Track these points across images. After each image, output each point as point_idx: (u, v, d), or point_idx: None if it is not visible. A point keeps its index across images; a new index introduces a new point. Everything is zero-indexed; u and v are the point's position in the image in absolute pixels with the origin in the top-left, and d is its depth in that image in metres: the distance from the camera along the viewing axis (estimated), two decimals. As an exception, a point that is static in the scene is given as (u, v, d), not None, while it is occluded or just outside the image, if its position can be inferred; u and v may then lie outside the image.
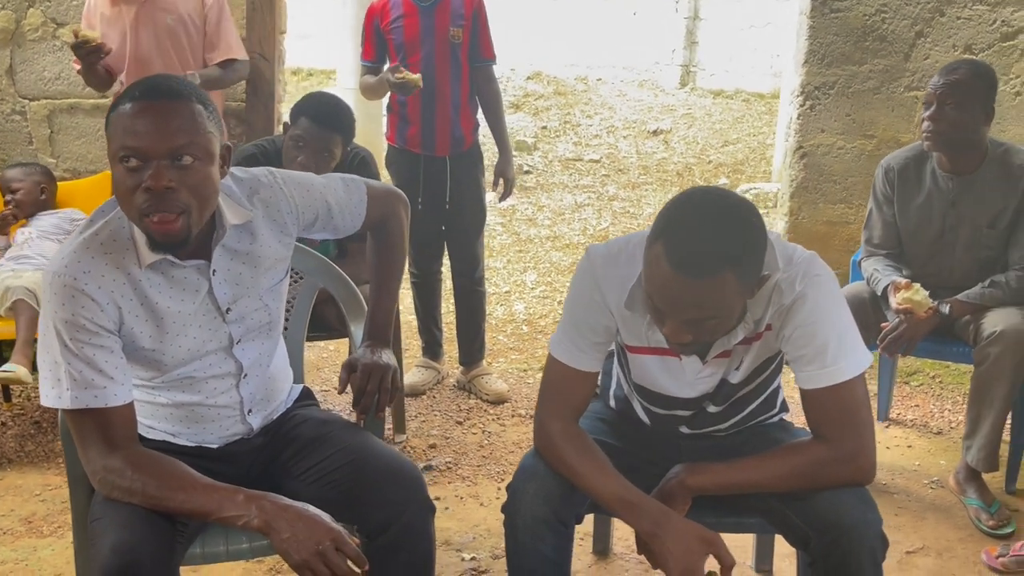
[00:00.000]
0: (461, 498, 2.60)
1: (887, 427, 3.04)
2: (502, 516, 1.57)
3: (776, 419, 1.76)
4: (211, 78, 3.04)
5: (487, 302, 3.50)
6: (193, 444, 1.61)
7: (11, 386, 2.98)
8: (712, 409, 1.65)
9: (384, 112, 3.26)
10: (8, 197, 3.10)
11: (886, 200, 2.64)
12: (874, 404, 3.11)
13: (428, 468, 2.75)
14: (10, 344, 2.80)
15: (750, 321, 1.50)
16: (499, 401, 3.21)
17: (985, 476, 2.52)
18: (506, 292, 4.48)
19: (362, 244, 1.87)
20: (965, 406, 2.58)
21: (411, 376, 3.29)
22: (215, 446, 1.63)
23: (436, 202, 3.13)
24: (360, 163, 2.61)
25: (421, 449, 2.88)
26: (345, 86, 5.98)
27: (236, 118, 3.46)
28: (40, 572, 2.19)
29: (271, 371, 1.66)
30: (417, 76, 2.91)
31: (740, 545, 2.25)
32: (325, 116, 2.44)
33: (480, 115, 3.20)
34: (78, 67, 3.05)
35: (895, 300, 2.44)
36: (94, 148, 3.54)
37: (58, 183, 3.22)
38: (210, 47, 3.10)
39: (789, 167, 3.64)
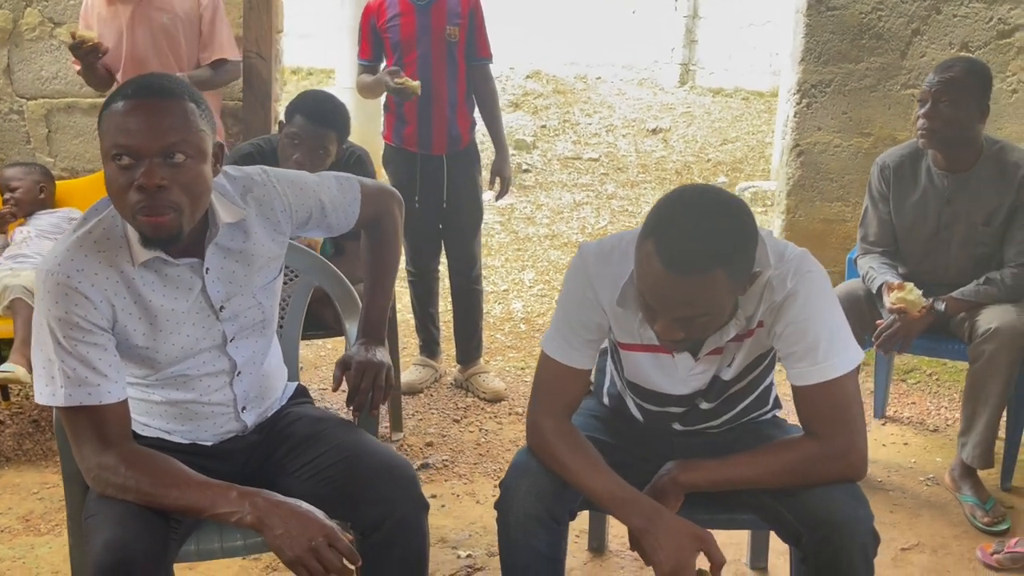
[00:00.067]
0: (457, 496, 2.60)
1: (883, 424, 3.04)
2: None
3: (769, 416, 1.77)
4: (200, 80, 3.05)
5: (485, 300, 3.51)
6: (187, 441, 1.62)
7: (9, 385, 2.99)
8: (705, 406, 1.66)
9: (381, 111, 3.26)
10: (7, 195, 3.11)
11: (881, 198, 2.64)
12: (871, 401, 3.12)
13: (425, 466, 2.76)
14: (8, 343, 2.80)
15: (742, 318, 1.50)
16: (496, 399, 3.22)
17: (981, 473, 2.52)
18: (504, 291, 4.49)
19: (359, 243, 1.88)
20: (961, 403, 2.58)
21: (408, 374, 3.30)
22: (209, 443, 1.63)
23: (433, 201, 3.14)
24: (356, 161, 2.61)
25: (418, 447, 2.89)
26: (343, 85, 5.98)
27: (233, 117, 3.47)
28: (37, 570, 2.20)
29: (265, 369, 1.66)
30: (416, 83, 2.91)
31: (735, 542, 2.26)
32: (320, 113, 2.45)
33: (477, 114, 3.21)
34: (78, 67, 3.06)
35: (888, 300, 2.44)
36: (92, 147, 3.54)
37: (56, 182, 3.23)
38: (203, 47, 3.11)
39: (786, 165, 3.64)
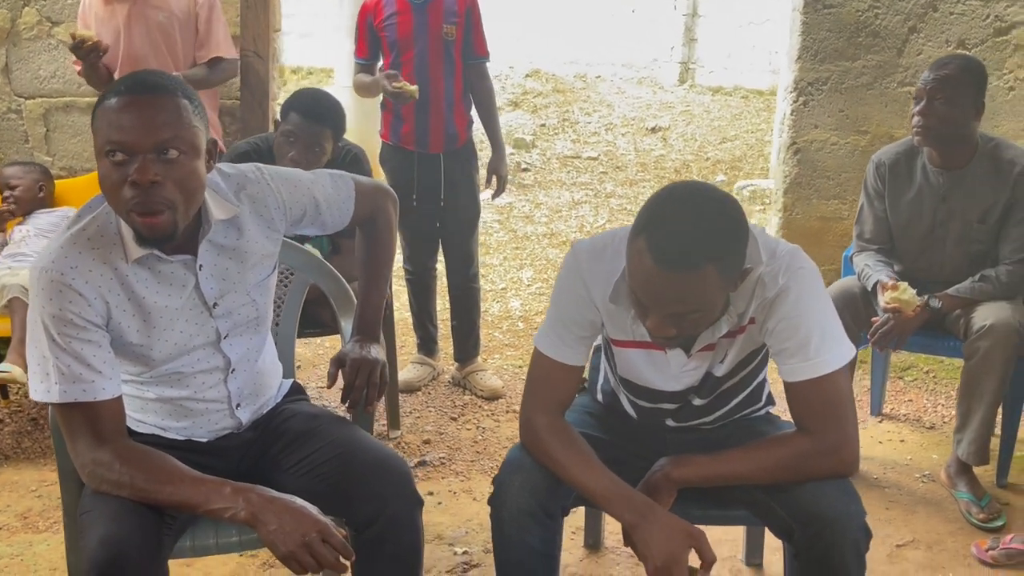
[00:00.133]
0: (454, 493, 2.61)
1: (880, 422, 3.05)
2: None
3: (762, 412, 1.78)
4: (197, 78, 3.06)
5: (483, 299, 3.51)
6: (183, 438, 1.62)
7: (8, 384, 2.99)
8: (697, 402, 1.66)
9: (379, 110, 3.27)
10: (7, 194, 3.12)
11: (877, 195, 2.65)
12: (867, 399, 3.12)
13: (422, 463, 2.77)
14: (7, 341, 2.81)
15: (734, 314, 1.51)
16: (494, 397, 3.23)
17: (976, 470, 2.53)
18: (502, 289, 4.49)
19: (355, 241, 1.88)
20: (956, 400, 2.58)
21: (406, 372, 3.30)
22: (205, 440, 1.64)
23: (431, 199, 3.14)
24: (352, 160, 2.62)
25: (415, 445, 2.89)
26: (342, 84, 5.98)
27: (231, 116, 3.48)
28: (35, 567, 2.21)
29: (259, 366, 1.67)
30: (414, 88, 2.92)
31: (731, 539, 2.27)
32: (314, 111, 2.45)
33: (474, 112, 3.21)
34: (79, 67, 3.07)
35: (883, 300, 2.44)
36: (90, 146, 3.51)
37: (55, 181, 3.24)
38: (199, 45, 3.12)
39: (783, 163, 3.64)
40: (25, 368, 2.60)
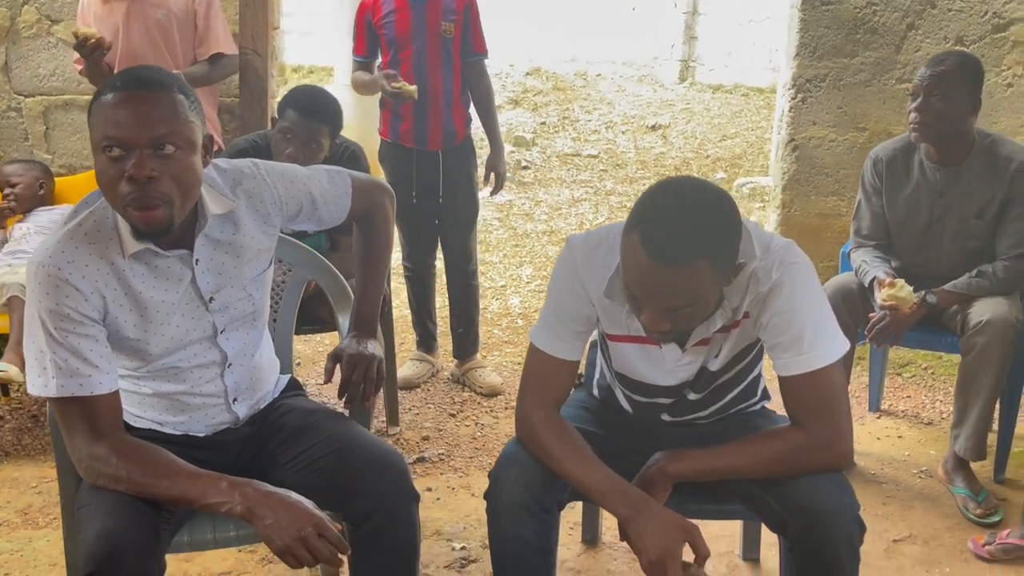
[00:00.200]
0: (453, 489, 2.62)
1: (878, 418, 3.05)
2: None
3: (758, 407, 1.78)
4: (197, 76, 3.07)
5: (482, 296, 3.51)
6: (180, 433, 1.63)
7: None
8: (692, 397, 1.67)
9: (377, 107, 3.27)
10: (7, 191, 3.13)
11: (874, 191, 2.65)
12: (866, 395, 3.13)
13: (421, 460, 2.78)
14: (6, 338, 2.82)
15: (728, 309, 1.51)
16: (492, 394, 3.23)
17: (974, 465, 2.53)
18: (502, 286, 4.50)
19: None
20: (954, 396, 2.58)
21: (405, 369, 3.31)
22: (202, 435, 1.65)
23: (429, 196, 3.15)
24: (350, 157, 2.62)
25: (414, 441, 2.90)
26: (342, 83, 5.98)
27: (229, 113, 3.48)
28: (35, 562, 2.22)
29: (256, 361, 1.67)
30: (413, 88, 2.92)
31: (728, 534, 2.28)
32: (311, 108, 2.46)
33: (473, 110, 3.22)
34: (80, 67, 3.09)
35: (879, 297, 2.45)
36: (89, 144, 3.56)
37: (54, 179, 3.25)
38: (199, 42, 3.13)
39: (781, 160, 3.65)
40: (22, 367, 2.61)
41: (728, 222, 1.38)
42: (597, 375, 1.82)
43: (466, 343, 3.34)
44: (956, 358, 2.48)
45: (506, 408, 3.15)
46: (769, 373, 1.71)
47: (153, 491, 1.41)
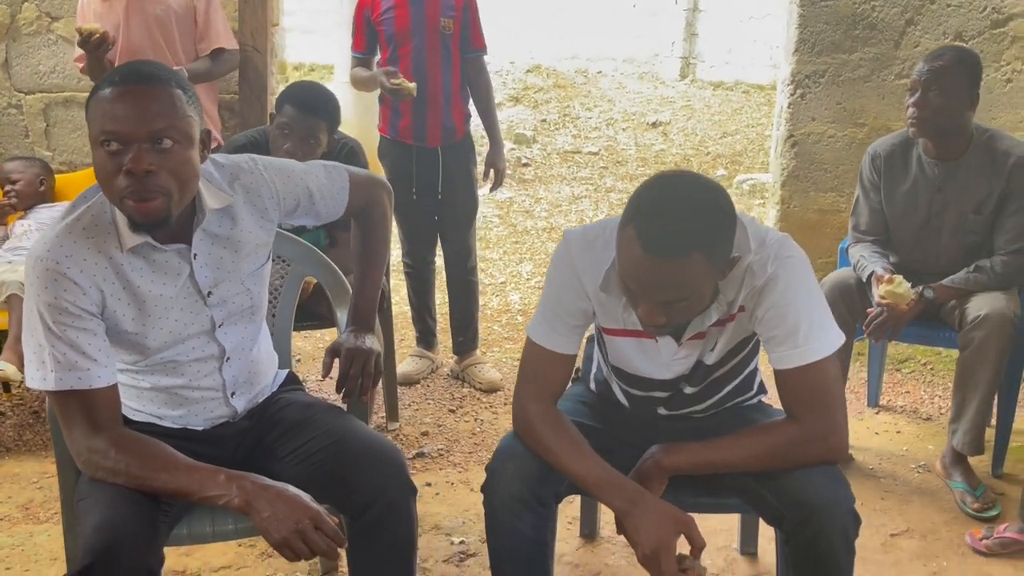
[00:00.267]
0: (452, 484, 2.62)
1: (877, 413, 3.06)
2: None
3: (754, 401, 1.78)
4: (200, 71, 3.08)
5: (482, 292, 3.52)
6: (178, 426, 1.64)
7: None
8: (689, 390, 1.67)
9: (377, 104, 3.28)
10: (8, 188, 3.14)
11: (873, 186, 2.65)
12: (864, 390, 3.13)
13: (420, 455, 2.78)
14: (4, 334, 2.83)
15: (723, 303, 1.52)
16: (492, 389, 3.24)
17: (972, 460, 2.54)
18: (502, 283, 4.51)
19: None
20: (952, 391, 2.59)
21: (405, 365, 3.32)
22: (200, 428, 1.65)
23: (429, 193, 3.16)
24: (348, 153, 2.63)
25: (414, 436, 2.91)
26: (342, 80, 6.00)
27: (229, 110, 3.49)
28: (36, 557, 2.23)
29: (254, 355, 1.68)
30: (412, 85, 2.93)
31: (726, 528, 2.29)
32: (309, 103, 2.46)
33: (472, 106, 3.22)
34: (81, 64, 3.10)
35: (877, 293, 2.45)
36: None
37: (55, 176, 3.26)
38: (199, 37, 3.15)
39: (780, 156, 3.65)
40: (20, 366, 2.62)
41: (723, 216, 1.39)
42: (594, 369, 1.83)
43: (465, 339, 3.35)
44: (955, 354, 2.49)
45: (505, 404, 3.16)
46: (766, 367, 1.72)
47: (151, 484, 1.42)
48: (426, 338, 3.40)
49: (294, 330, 2.13)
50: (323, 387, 3.22)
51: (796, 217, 3.62)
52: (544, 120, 7.74)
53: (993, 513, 2.40)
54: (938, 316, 2.56)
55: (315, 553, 1.40)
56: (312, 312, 2.56)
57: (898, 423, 2.99)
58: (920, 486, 2.59)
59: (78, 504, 1.46)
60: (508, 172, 5.79)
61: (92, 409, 1.43)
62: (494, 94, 3.33)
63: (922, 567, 2.21)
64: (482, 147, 3.35)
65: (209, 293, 1.55)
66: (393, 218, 1.97)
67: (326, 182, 1.70)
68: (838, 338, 1.51)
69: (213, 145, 2.96)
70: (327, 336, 3.65)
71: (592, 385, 1.84)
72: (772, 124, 6.68)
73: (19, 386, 3.13)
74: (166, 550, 1.50)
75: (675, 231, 1.34)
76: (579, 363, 1.92)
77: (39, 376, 1.43)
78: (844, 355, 2.60)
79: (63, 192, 3.23)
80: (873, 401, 3.08)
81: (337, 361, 1.71)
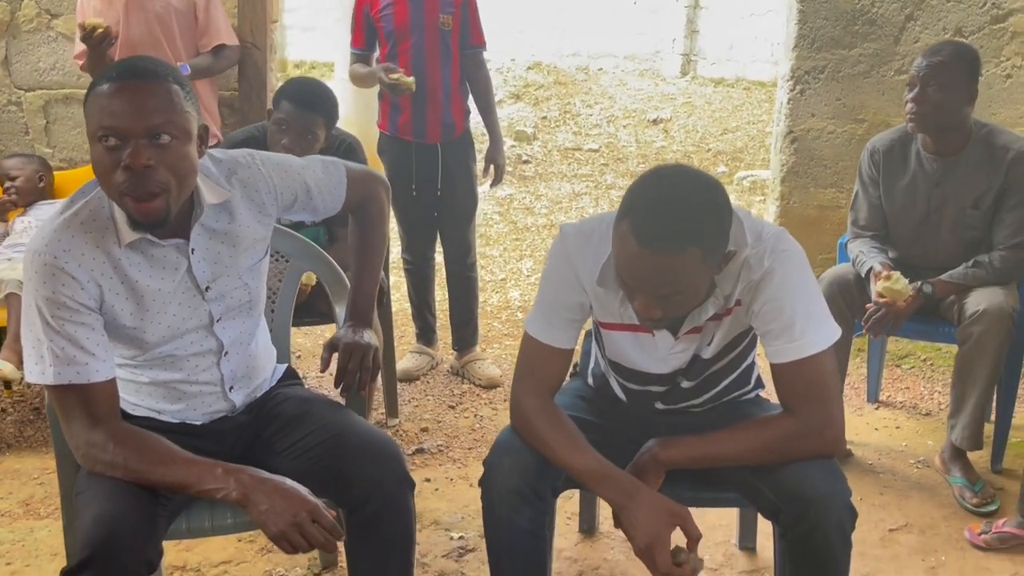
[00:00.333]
0: (451, 479, 2.63)
1: (876, 409, 3.06)
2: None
3: (752, 395, 1.79)
4: (201, 67, 3.10)
5: (482, 289, 3.51)
6: (177, 421, 1.64)
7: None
8: (686, 384, 1.68)
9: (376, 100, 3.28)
10: (7, 185, 3.15)
11: (872, 182, 2.65)
12: (864, 386, 3.13)
13: (420, 451, 2.79)
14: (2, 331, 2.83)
15: (720, 297, 1.52)
16: (491, 386, 3.24)
17: (971, 455, 2.54)
18: (502, 279, 4.51)
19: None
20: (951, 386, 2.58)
21: (405, 362, 3.32)
22: (199, 423, 1.66)
23: (428, 189, 3.16)
24: (347, 149, 2.63)
25: (413, 432, 2.92)
26: (342, 78, 6.00)
27: (229, 107, 3.49)
28: (37, 552, 2.24)
29: (252, 349, 1.69)
30: (410, 79, 2.93)
31: (725, 523, 2.29)
32: (306, 98, 2.46)
33: (472, 103, 3.22)
34: (81, 61, 3.10)
35: (874, 289, 2.45)
36: (90, 138, 3.58)
37: (54, 173, 3.27)
38: (201, 33, 3.16)
39: (780, 152, 3.65)
40: (20, 364, 2.62)
41: (718, 209, 1.39)
42: (592, 364, 1.83)
43: (465, 336, 3.36)
44: (955, 349, 2.49)
45: (505, 400, 3.16)
46: (763, 362, 1.72)
47: (149, 477, 1.43)
48: (426, 334, 3.41)
49: (294, 326, 2.13)
50: (323, 383, 3.23)
51: (796, 213, 3.62)
52: (545, 117, 7.74)
53: (992, 508, 2.40)
54: (937, 311, 2.56)
55: (313, 546, 1.40)
56: (312, 308, 2.57)
57: (897, 419, 2.99)
58: (919, 481, 2.59)
59: (77, 498, 1.47)
60: (508, 169, 5.80)
61: (90, 403, 1.44)
62: (494, 91, 3.33)
63: (920, 562, 2.21)
64: (482, 144, 3.35)
65: (207, 288, 1.55)
66: (391, 213, 1.97)
67: (323, 177, 1.70)
68: (834, 332, 1.52)
69: (213, 142, 2.98)
70: (327, 332, 3.66)
71: (590, 380, 1.84)
72: (773, 121, 6.69)
73: (19, 383, 3.14)
74: (166, 545, 1.51)
75: (670, 225, 1.34)
76: (577, 358, 1.92)
77: (38, 370, 1.44)
78: (843, 351, 2.60)
79: (63, 189, 3.23)
80: (873, 397, 3.08)
81: (336, 356, 1.72)
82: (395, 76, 2.92)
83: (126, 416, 1.56)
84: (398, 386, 3.09)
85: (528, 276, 4.56)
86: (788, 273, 1.48)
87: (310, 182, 1.67)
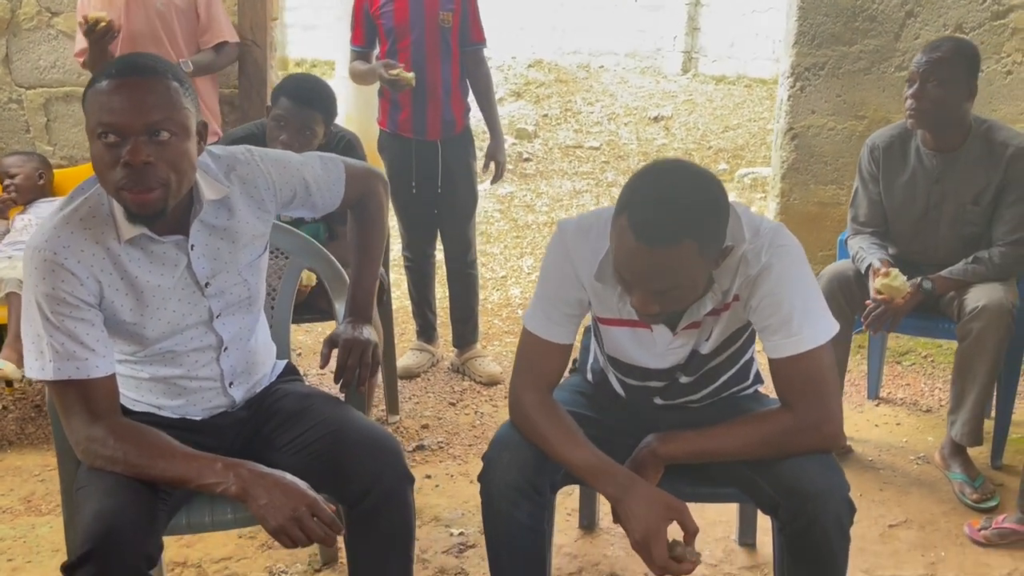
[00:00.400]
0: (452, 476, 2.63)
1: (877, 405, 3.06)
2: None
3: (751, 391, 1.79)
4: (203, 64, 3.12)
5: (483, 286, 3.51)
6: (177, 416, 1.65)
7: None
8: (684, 380, 1.68)
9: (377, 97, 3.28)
10: (7, 182, 3.15)
11: (871, 178, 2.65)
12: (865, 383, 3.13)
13: (420, 448, 2.79)
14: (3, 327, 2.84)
15: (718, 292, 1.52)
16: (492, 383, 3.25)
17: (971, 451, 2.54)
18: (502, 277, 4.51)
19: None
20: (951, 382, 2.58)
21: (406, 359, 3.33)
22: (199, 418, 1.66)
23: (428, 186, 3.16)
24: (346, 146, 2.63)
25: (414, 429, 2.92)
26: (343, 76, 6.00)
27: (229, 105, 3.50)
28: (38, 548, 2.24)
29: (252, 345, 1.69)
30: (410, 75, 2.93)
31: (724, 519, 2.30)
32: (304, 95, 2.47)
33: (472, 99, 3.22)
34: (81, 59, 3.11)
35: (873, 286, 2.45)
36: (91, 136, 3.58)
37: (54, 171, 3.27)
38: (202, 31, 3.18)
39: (780, 148, 3.64)
40: (20, 363, 2.62)
41: (715, 204, 1.39)
42: (591, 360, 1.83)
43: (466, 333, 3.36)
44: (956, 346, 2.49)
45: (505, 397, 3.14)
46: (763, 357, 1.72)
47: (149, 472, 1.43)
48: (426, 332, 3.41)
49: (294, 324, 2.14)
50: (324, 380, 3.23)
51: (796, 210, 3.62)
52: (546, 115, 7.74)
53: (992, 504, 2.40)
54: (937, 307, 2.56)
55: (312, 540, 1.40)
56: (312, 306, 2.58)
57: (898, 415, 3.00)
58: (919, 477, 2.59)
59: (77, 493, 1.47)
60: (509, 167, 5.80)
61: (90, 398, 1.44)
62: (495, 89, 3.33)
63: (920, 557, 2.21)
64: (483, 141, 3.35)
65: (207, 284, 1.56)
66: (390, 209, 1.97)
67: (322, 173, 1.70)
68: (832, 326, 1.52)
69: (213, 139, 2.99)
70: (327, 329, 3.65)
71: (589, 376, 1.84)
72: (774, 118, 6.67)
73: (21, 380, 3.14)
74: (167, 541, 1.51)
75: (667, 220, 1.35)
76: (576, 354, 1.93)
77: (38, 366, 1.44)
78: (843, 347, 2.60)
79: (63, 187, 3.24)
80: (873, 393, 3.08)
81: (335, 352, 1.72)
82: (395, 72, 2.92)
83: (126, 412, 1.57)
84: (399, 383, 3.09)
85: (529, 274, 4.56)
86: (786, 268, 1.48)
87: (309, 178, 1.68)
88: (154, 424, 1.53)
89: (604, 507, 2.35)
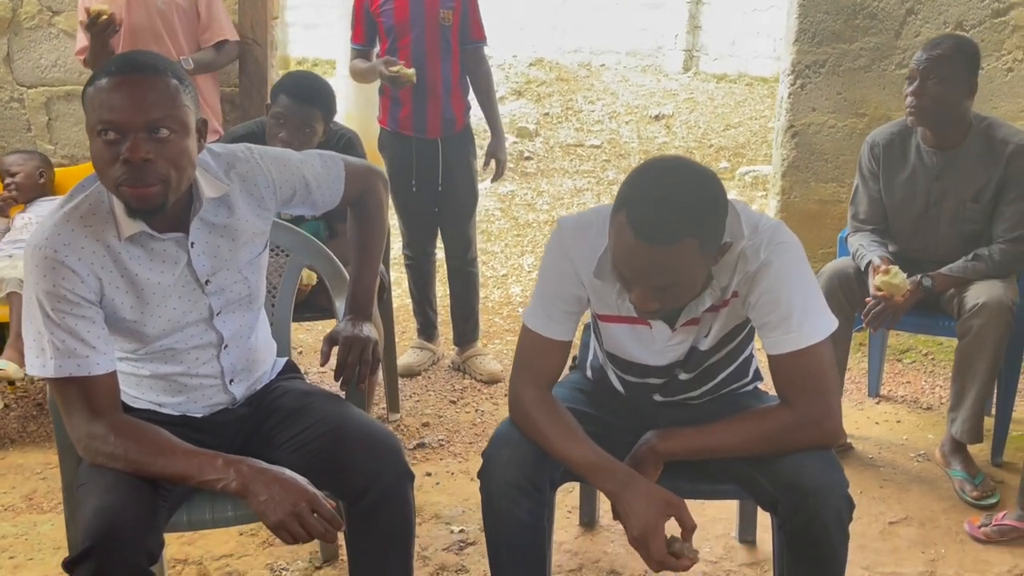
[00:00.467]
0: (452, 474, 2.64)
1: (877, 403, 3.06)
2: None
3: (750, 388, 1.79)
4: (204, 62, 3.13)
5: (483, 285, 3.52)
6: (178, 414, 1.65)
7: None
8: (683, 377, 1.68)
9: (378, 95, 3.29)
10: (8, 181, 3.16)
11: (871, 175, 2.65)
12: (865, 380, 3.13)
13: (421, 445, 2.80)
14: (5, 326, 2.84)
15: (717, 288, 1.52)
16: (492, 381, 3.25)
17: (971, 448, 2.54)
18: (503, 275, 4.52)
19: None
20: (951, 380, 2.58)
21: (406, 357, 3.33)
22: (199, 416, 1.67)
23: (429, 184, 3.16)
24: (346, 144, 2.63)
25: (414, 427, 2.92)
26: (345, 75, 6.00)
27: (230, 103, 3.50)
28: (40, 546, 2.25)
29: (252, 342, 1.69)
30: (411, 72, 2.93)
31: (725, 516, 2.30)
32: (303, 92, 2.47)
33: (472, 98, 3.23)
34: (82, 57, 3.11)
35: (873, 284, 2.45)
36: (92, 135, 3.58)
37: (55, 170, 3.28)
38: (203, 29, 3.19)
39: (780, 146, 3.64)
40: (22, 364, 2.63)
41: (713, 200, 1.39)
42: (590, 357, 1.84)
43: (466, 331, 3.36)
44: (956, 343, 2.49)
45: (505, 395, 3.13)
46: (762, 355, 1.72)
47: (150, 468, 1.44)
48: (427, 330, 3.41)
49: (294, 321, 2.14)
50: (324, 378, 3.24)
51: (797, 207, 3.62)
52: (547, 114, 7.74)
53: (992, 501, 2.40)
54: (937, 305, 2.56)
55: (312, 536, 1.41)
56: (312, 304, 2.58)
57: (898, 413, 3.00)
58: (919, 474, 2.59)
59: (78, 490, 1.47)
60: (510, 165, 5.79)
61: (91, 395, 1.45)
62: (496, 87, 3.34)
63: (920, 554, 2.22)
64: (483, 139, 3.35)
65: (207, 281, 1.56)
66: (390, 207, 1.97)
67: (322, 171, 1.71)
68: (831, 323, 1.52)
69: (213, 137, 2.99)
70: (328, 327, 3.63)
71: (589, 373, 1.85)
72: (774, 116, 6.67)
73: (23, 378, 3.15)
74: (168, 538, 1.51)
75: (666, 216, 1.35)
76: (576, 351, 1.93)
77: (38, 363, 1.45)
78: (843, 344, 2.60)
79: (63, 185, 3.25)
80: (874, 391, 3.09)
81: (335, 349, 1.72)
82: (395, 68, 2.92)
83: (127, 409, 1.57)
84: (399, 381, 3.10)
85: (529, 272, 4.56)
86: (785, 265, 1.48)
87: (308, 176, 1.68)
88: (155, 421, 1.54)
89: (604, 504, 2.35)
